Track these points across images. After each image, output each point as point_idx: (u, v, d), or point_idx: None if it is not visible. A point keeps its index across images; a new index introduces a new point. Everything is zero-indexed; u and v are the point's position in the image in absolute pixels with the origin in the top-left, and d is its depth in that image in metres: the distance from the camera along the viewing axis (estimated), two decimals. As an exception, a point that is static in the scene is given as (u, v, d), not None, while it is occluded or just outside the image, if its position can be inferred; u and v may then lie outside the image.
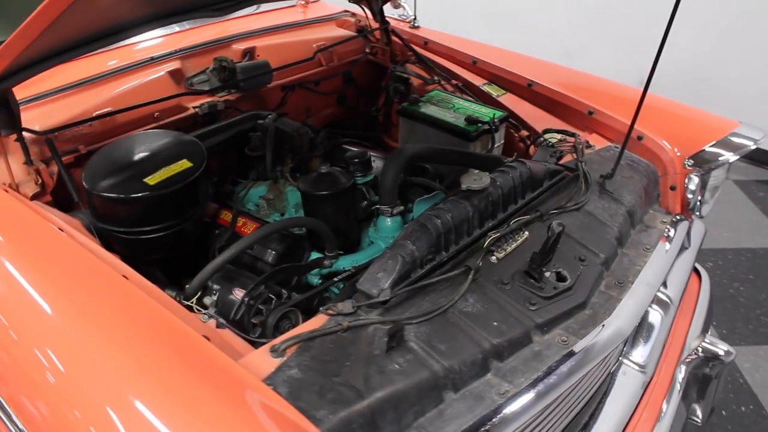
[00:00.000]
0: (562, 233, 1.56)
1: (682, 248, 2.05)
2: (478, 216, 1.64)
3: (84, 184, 1.74)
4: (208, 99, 2.24)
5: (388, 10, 2.90)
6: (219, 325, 1.46)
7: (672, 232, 1.91)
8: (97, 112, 1.96)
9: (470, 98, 2.46)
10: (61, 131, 1.89)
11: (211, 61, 2.31)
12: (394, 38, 2.76)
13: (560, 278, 1.57)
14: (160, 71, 2.19)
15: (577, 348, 1.44)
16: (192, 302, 1.60)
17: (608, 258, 1.69)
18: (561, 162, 2.02)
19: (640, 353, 1.85)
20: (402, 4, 2.83)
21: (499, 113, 2.31)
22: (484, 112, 2.32)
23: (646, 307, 1.66)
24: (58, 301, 1.27)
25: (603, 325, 1.49)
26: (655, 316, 1.92)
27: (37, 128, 1.83)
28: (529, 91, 2.38)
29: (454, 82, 2.53)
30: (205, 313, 1.49)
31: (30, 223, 1.51)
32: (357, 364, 1.29)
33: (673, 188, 2.04)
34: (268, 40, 2.51)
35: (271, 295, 1.59)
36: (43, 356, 1.17)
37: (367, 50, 2.79)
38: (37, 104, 1.95)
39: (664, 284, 1.97)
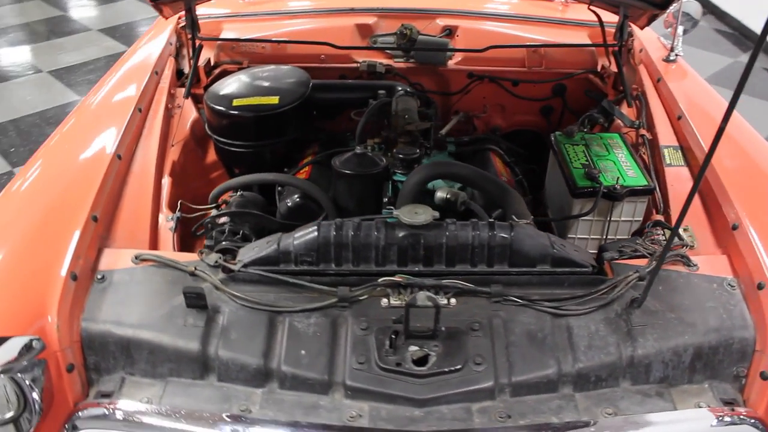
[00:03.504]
0: (440, 311, 1.27)
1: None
2: (397, 252, 1.43)
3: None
4: (380, 59, 2.34)
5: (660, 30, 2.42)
6: (171, 228, 1.70)
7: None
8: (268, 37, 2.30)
9: (641, 156, 1.95)
10: (238, 45, 2.29)
11: None
12: (642, 65, 2.30)
13: (419, 361, 1.29)
14: (351, 22, 2.37)
15: (356, 428, 1.22)
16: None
17: (521, 385, 1.29)
18: (622, 261, 1.52)
19: None
20: (676, 29, 2.29)
21: (640, 182, 1.80)
22: (629, 176, 1.84)
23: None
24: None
25: None
26: None
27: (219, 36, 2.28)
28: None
29: (642, 132, 2.02)
30: (171, 217, 1.73)
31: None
32: (163, 302, 1.40)
33: (765, 377, 1.33)
34: (476, 24, 2.41)
35: (229, 229, 1.73)
36: None
37: (598, 69, 2.40)
38: (238, 20, 2.39)
39: None
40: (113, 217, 1.62)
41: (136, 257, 1.48)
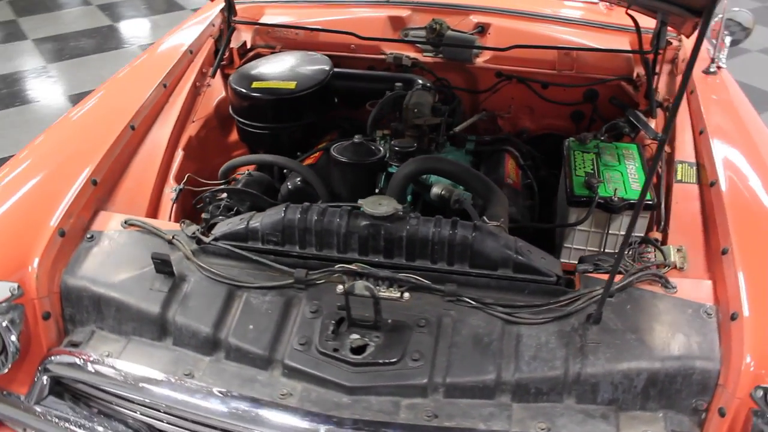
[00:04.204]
0: (378, 302, 1.28)
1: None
2: (358, 241, 1.44)
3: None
4: (409, 53, 2.35)
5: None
6: (172, 199, 1.80)
7: None
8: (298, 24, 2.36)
9: (656, 169, 1.86)
10: (273, 30, 2.37)
11: None
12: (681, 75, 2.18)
13: (357, 350, 1.31)
14: (384, 14, 2.39)
15: (282, 405, 1.26)
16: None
17: (455, 387, 1.28)
18: (594, 274, 1.46)
19: None
20: (721, 39, 2.15)
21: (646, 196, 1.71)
22: (633, 189, 1.76)
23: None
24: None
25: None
26: None
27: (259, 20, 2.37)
28: (708, 190, 1.66)
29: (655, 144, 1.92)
30: (174, 188, 1.82)
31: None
32: (138, 266, 1.49)
33: (722, 414, 1.25)
34: (510, 23, 2.35)
35: (224, 205, 1.80)
36: None
37: (634, 76, 2.28)
38: (279, 6, 2.46)
39: None
40: (117, 183, 1.73)
41: (125, 222, 1.59)
